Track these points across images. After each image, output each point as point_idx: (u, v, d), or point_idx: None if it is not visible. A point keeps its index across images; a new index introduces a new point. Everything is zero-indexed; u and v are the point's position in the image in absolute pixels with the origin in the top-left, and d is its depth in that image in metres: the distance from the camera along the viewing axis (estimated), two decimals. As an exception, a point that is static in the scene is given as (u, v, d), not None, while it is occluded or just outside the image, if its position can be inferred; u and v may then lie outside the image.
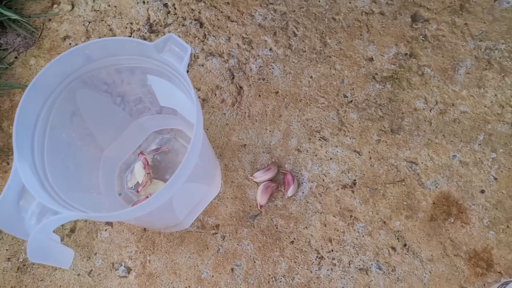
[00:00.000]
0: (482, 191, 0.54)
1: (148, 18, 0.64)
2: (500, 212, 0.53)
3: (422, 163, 0.55)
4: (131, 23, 0.64)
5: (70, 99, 0.43)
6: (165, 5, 0.64)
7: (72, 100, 0.44)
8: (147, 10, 0.64)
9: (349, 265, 0.53)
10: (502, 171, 0.54)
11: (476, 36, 0.60)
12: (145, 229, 0.56)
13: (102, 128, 0.50)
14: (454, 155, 0.55)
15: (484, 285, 0.51)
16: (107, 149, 0.53)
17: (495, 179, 0.54)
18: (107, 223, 0.56)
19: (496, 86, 0.57)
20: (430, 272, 0.51)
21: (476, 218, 0.53)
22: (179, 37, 0.60)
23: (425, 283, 0.51)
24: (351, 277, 0.52)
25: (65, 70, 0.40)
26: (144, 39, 0.63)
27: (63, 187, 0.41)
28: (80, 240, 0.56)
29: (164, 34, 0.63)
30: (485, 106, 0.57)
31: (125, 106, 0.50)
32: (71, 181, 0.44)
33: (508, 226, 0.53)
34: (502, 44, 0.59)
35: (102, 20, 0.64)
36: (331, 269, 0.53)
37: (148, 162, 0.55)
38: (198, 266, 0.54)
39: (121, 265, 0.55)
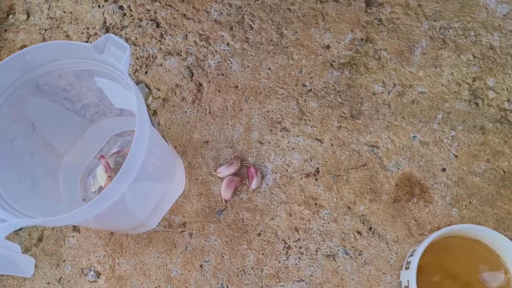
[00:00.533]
0: (443, 170, 0.54)
1: (104, 22, 0.64)
2: (461, 189, 0.53)
3: (383, 146, 0.56)
4: (88, 28, 0.64)
5: (17, 108, 0.43)
6: (121, 7, 0.64)
7: (20, 108, 0.44)
8: (103, 14, 0.64)
9: (316, 252, 0.53)
10: (462, 148, 0.55)
11: (430, 16, 0.60)
12: (112, 232, 0.56)
13: (57, 134, 0.50)
14: (414, 136, 0.56)
15: (450, 262, 0.51)
16: (67, 155, 0.53)
17: (455, 156, 0.55)
18: (74, 230, 0.56)
19: (452, 65, 0.58)
20: (396, 253, 0.52)
21: (439, 196, 0.53)
22: (136, 39, 0.60)
23: (391, 264, 0.52)
24: (319, 264, 0.52)
25: (6, 79, 0.40)
26: (102, 43, 0.63)
27: (16, 195, 0.41)
28: (48, 248, 0.56)
29: (122, 37, 0.63)
30: (442, 85, 0.57)
31: (79, 111, 0.50)
32: (25, 189, 0.44)
33: (470, 202, 0.53)
34: (456, 22, 0.59)
35: (58, 27, 0.64)
36: (299, 258, 0.53)
37: (109, 166, 0.54)
38: (167, 265, 0.54)
39: (90, 270, 0.55)
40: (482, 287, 0.43)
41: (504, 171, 0.54)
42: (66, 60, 0.42)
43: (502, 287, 0.43)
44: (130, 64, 0.61)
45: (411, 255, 0.44)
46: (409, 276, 0.41)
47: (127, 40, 0.63)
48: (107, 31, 0.63)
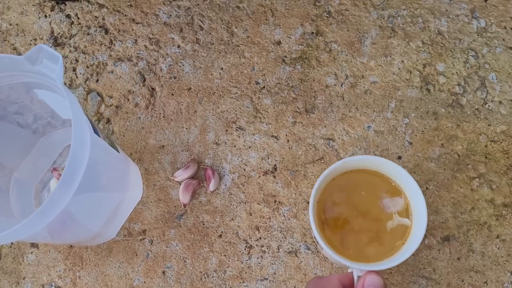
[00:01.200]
0: (399, 157, 0.54)
1: (52, 32, 0.63)
2: (418, 175, 0.54)
3: (339, 138, 0.56)
4: (35, 39, 0.63)
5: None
6: (68, 16, 0.63)
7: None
8: (50, 24, 0.63)
9: (278, 249, 0.53)
10: (416, 135, 0.55)
11: (378, 5, 0.60)
12: (71, 245, 0.55)
13: (3, 151, 0.48)
14: (369, 126, 0.56)
15: (410, 249, 0.52)
16: (17, 171, 0.52)
17: (410, 143, 0.55)
18: (32, 246, 0.55)
19: (402, 52, 0.58)
20: (357, 244, 0.52)
21: (396, 184, 0.53)
22: (85, 47, 0.59)
23: (353, 256, 0.52)
24: (282, 261, 0.52)
25: None
26: (50, 53, 0.61)
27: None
28: (7, 267, 0.54)
29: (70, 46, 0.62)
30: (394, 74, 0.57)
31: (24, 125, 0.49)
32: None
33: (427, 188, 0.53)
34: (403, 10, 0.60)
35: (5, 40, 0.63)
36: (261, 257, 0.53)
37: (63, 178, 0.53)
38: (129, 274, 0.53)
39: (51, 286, 0.54)
40: (384, 213, 0.45)
41: (458, 154, 0.54)
42: (1, 74, 0.41)
43: (402, 211, 0.45)
44: (80, 73, 0.60)
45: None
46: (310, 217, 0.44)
47: (76, 48, 0.62)
48: (55, 41, 0.62)
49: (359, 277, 0.40)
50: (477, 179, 0.53)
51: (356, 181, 0.47)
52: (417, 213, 0.44)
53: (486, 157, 0.54)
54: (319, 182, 0.44)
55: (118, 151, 0.49)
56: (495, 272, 0.50)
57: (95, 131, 0.43)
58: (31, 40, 0.63)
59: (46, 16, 0.63)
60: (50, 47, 0.61)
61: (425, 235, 0.50)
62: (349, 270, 0.42)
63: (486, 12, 0.59)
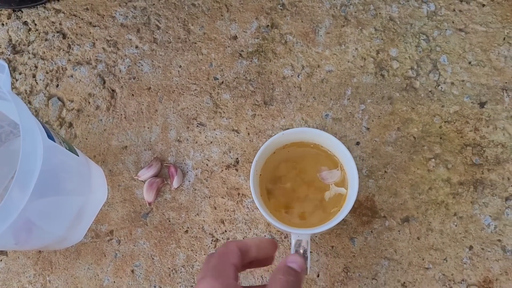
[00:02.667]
0: (357, 143, 0.56)
1: (10, 40, 0.63)
2: (376, 160, 0.55)
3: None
4: (-7, 48, 0.63)
5: None
6: (25, 23, 0.63)
7: None
8: (7, 32, 0.63)
9: (244, 241, 0.54)
10: (372, 120, 0.56)
11: (331, -5, 0.61)
12: (40, 251, 0.55)
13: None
14: (326, 114, 0.57)
15: (371, 231, 0.53)
16: (-21, 180, 0.52)
17: (367, 129, 0.56)
18: (1, 253, 0.56)
19: (356, 40, 0.59)
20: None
21: (356, 170, 0.54)
22: (44, 53, 0.60)
23: (317, 243, 0.53)
24: (247, 252, 0.53)
25: None
26: (9, 61, 0.62)
27: None
28: (-24, 276, 0.55)
29: (29, 53, 0.62)
30: (349, 61, 0.58)
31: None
32: None
33: (385, 172, 0.55)
34: (355, -2, 0.61)
35: (-38, 51, 0.63)
36: (228, 249, 0.53)
37: (26, 184, 0.54)
38: (98, 275, 0.54)
39: (22, 292, 0.54)
40: (323, 184, 0.48)
41: (414, 137, 0.55)
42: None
43: (339, 181, 0.48)
44: (40, 79, 0.61)
45: None
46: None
47: (35, 55, 0.62)
48: (14, 48, 0.62)
49: (296, 240, 0.44)
50: (433, 160, 0.54)
51: (297, 154, 0.50)
52: (351, 182, 0.46)
53: (441, 138, 0.55)
54: (259, 154, 0.47)
55: (77, 155, 0.49)
56: (454, 248, 0.52)
57: (49, 136, 0.43)
58: (-11, 49, 0.63)
59: (3, 24, 0.63)
60: (9, 55, 0.61)
61: (384, 217, 0.51)
62: (292, 237, 0.45)
63: (436, -4, 0.60)
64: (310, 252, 0.52)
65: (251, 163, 0.54)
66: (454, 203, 0.53)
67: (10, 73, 0.60)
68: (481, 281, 0.51)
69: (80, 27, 0.63)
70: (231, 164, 0.56)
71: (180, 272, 0.53)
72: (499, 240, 0.52)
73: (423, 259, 0.52)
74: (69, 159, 0.47)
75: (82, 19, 0.63)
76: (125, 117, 0.59)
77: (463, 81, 0.57)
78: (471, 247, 0.52)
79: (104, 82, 0.60)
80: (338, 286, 0.52)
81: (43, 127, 0.43)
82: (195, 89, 0.59)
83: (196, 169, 0.56)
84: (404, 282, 0.51)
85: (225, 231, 0.54)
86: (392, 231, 0.53)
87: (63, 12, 0.63)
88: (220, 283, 0.32)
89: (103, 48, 0.61)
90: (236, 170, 0.56)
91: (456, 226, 0.52)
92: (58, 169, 0.45)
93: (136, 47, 0.61)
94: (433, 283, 0.51)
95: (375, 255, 0.52)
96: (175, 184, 0.55)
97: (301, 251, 0.44)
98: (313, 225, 0.47)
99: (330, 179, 0.49)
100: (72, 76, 0.61)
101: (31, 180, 0.38)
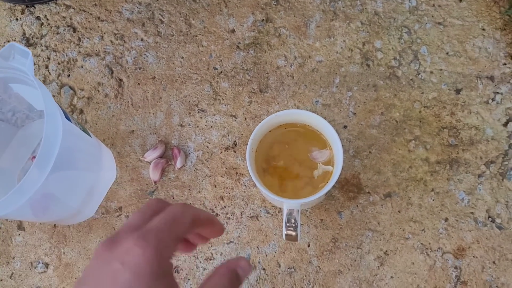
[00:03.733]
0: (345, 127, 0.61)
1: (24, 33, 0.68)
2: (361, 141, 0.60)
3: (291, 113, 0.62)
4: (9, 41, 0.68)
5: None
6: (37, 18, 0.68)
7: None
8: (21, 26, 0.68)
9: (241, 215, 0.59)
10: (358, 106, 0.62)
11: (321, -8, 0.66)
12: (55, 225, 0.60)
13: (-14, 141, 0.54)
14: (317, 101, 0.62)
15: (357, 206, 0.58)
16: (0, 160, 0.57)
17: (354, 113, 0.61)
18: (19, 228, 0.61)
19: (344, 33, 0.64)
20: (310, 207, 0.58)
21: (344, 150, 0.60)
22: (55, 45, 0.65)
23: (307, 216, 0.58)
24: (245, 225, 0.59)
25: None
26: (24, 53, 0.67)
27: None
28: (-4, 249, 0.60)
29: (42, 46, 0.67)
30: (337, 53, 0.64)
31: (4, 119, 0.54)
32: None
33: (370, 152, 0.60)
34: (343, -6, 0.66)
35: (-20, 44, 0.68)
36: (226, 223, 0.59)
37: (42, 164, 0.59)
38: (108, 247, 0.59)
39: (39, 263, 0.59)
40: (313, 163, 0.53)
41: (396, 121, 0.61)
42: (-23, 71, 0.46)
43: (328, 161, 0.53)
44: (53, 70, 0.66)
45: None
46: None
47: (47, 47, 0.67)
48: (28, 41, 0.67)
49: (288, 210, 0.48)
50: (413, 141, 0.60)
51: (290, 134, 0.55)
52: (337, 160, 0.51)
53: (420, 121, 0.60)
54: (254, 133, 0.52)
55: (90, 136, 0.55)
56: (431, 220, 0.57)
57: (67, 118, 0.49)
58: (4, 42, 0.68)
59: (17, 19, 0.68)
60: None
61: (369, 192, 0.57)
62: (284, 207, 0.50)
63: (416, -8, 0.65)
64: (302, 224, 0.57)
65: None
66: (432, 180, 0.58)
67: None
68: (455, 249, 0.56)
69: (89, 21, 0.68)
70: (229, 146, 0.61)
71: (183, 244, 0.58)
72: (471, 213, 0.57)
73: (403, 230, 0.57)
74: (83, 139, 0.52)
75: (91, 14, 0.68)
76: (131, 104, 0.64)
77: (441, 70, 0.62)
78: (446, 219, 0.57)
79: (112, 72, 0.65)
80: (326, 255, 0.57)
81: (62, 110, 0.49)
82: (196, 78, 0.64)
83: (198, 151, 0.61)
84: (386, 251, 0.57)
85: (224, 206, 0.59)
86: (375, 205, 0.58)
87: (73, 8, 0.68)
88: (157, 258, 0.26)
89: (111, 41, 0.67)
90: (234, 151, 0.61)
91: (433, 200, 0.58)
92: (74, 147, 0.50)
93: (142, 40, 0.66)
94: (412, 251, 0.56)
95: (360, 227, 0.58)
96: (178, 164, 0.60)
97: (292, 220, 0.49)
98: (304, 197, 0.52)
99: (320, 158, 0.54)
100: (82, 66, 0.66)
101: (51, 158, 0.43)
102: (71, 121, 0.49)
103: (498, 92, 0.61)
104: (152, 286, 0.25)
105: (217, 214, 0.59)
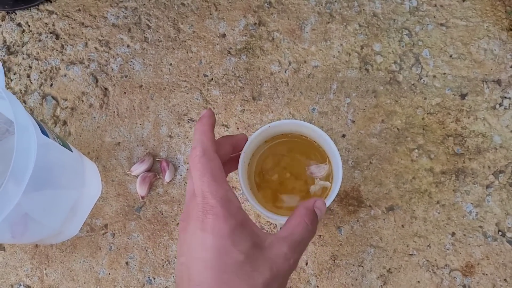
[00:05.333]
0: (343, 136, 0.57)
1: (4, 41, 0.64)
2: (361, 151, 0.57)
3: (286, 122, 0.58)
4: (-12, 49, 0.64)
5: None
6: (19, 24, 0.65)
7: None
8: (2, 33, 0.65)
9: (234, 232, 0.55)
10: (357, 113, 0.58)
11: (316, -7, 0.63)
12: (36, 245, 0.57)
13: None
14: (313, 108, 0.59)
15: (357, 220, 0.55)
16: (-24, 177, 0.53)
17: (353, 121, 0.58)
18: (-1, 248, 0.57)
19: (340, 36, 0.61)
20: (307, 221, 0.54)
21: (342, 161, 0.56)
22: (37, 53, 0.61)
23: (304, 232, 0.54)
24: (238, 243, 0.55)
25: None
26: (4, 62, 0.63)
27: None
28: (-25, 271, 0.56)
29: (23, 54, 0.64)
30: (334, 57, 0.60)
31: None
32: None
33: (370, 162, 0.56)
34: (340, -5, 0.62)
35: (-42, 53, 0.64)
36: (219, 240, 0.55)
37: (22, 181, 0.55)
38: (94, 268, 0.55)
39: (20, 285, 0.56)
40: (310, 178, 0.49)
41: (398, 128, 0.57)
42: None
43: (326, 176, 0.49)
44: (34, 79, 0.62)
45: None
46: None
47: (29, 55, 0.63)
48: (8, 49, 0.64)
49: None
50: (416, 150, 0.56)
51: (285, 146, 0.51)
52: (335, 176, 0.48)
53: (423, 129, 0.57)
54: (246, 146, 0.47)
55: (71, 150, 0.51)
56: (437, 235, 0.54)
57: (44, 132, 0.45)
58: (-16, 51, 0.64)
59: (-3, 26, 0.65)
60: (4, 56, 0.63)
61: (370, 206, 0.53)
62: (277, 224, 0.47)
63: (417, -8, 0.62)
64: (298, 241, 0.54)
65: (240, 156, 0.55)
66: (437, 191, 0.55)
67: (5, 73, 0.62)
68: (463, 265, 0.53)
69: (72, 27, 0.64)
70: (221, 158, 0.58)
71: (173, 263, 0.55)
72: (480, 227, 0.54)
73: (407, 246, 0.54)
74: (63, 155, 0.49)
75: (74, 19, 0.65)
76: (117, 114, 0.60)
77: (444, 74, 0.59)
78: (453, 234, 0.54)
79: (97, 81, 0.62)
80: (326, 274, 0.53)
81: (38, 123, 0.45)
82: (186, 86, 0.61)
83: (187, 163, 0.58)
84: (390, 268, 0.53)
85: (216, 222, 0.56)
86: (377, 220, 0.55)
87: (56, 13, 0.65)
88: (228, 214, 0.31)
89: (95, 48, 0.63)
90: (226, 163, 0.57)
91: (439, 213, 0.54)
92: (52, 164, 0.46)
93: (128, 46, 0.63)
94: (417, 269, 0.53)
95: (361, 243, 0.54)
96: (167, 178, 0.57)
97: None
98: None
99: (318, 174, 0.50)
100: (65, 75, 0.62)
101: (25, 174, 0.40)
102: (48, 136, 0.45)
103: (505, 97, 0.57)
104: (236, 240, 0.30)
105: (208, 230, 0.56)
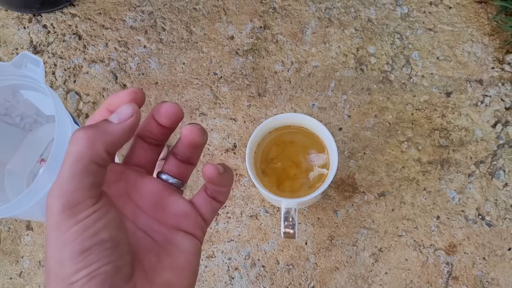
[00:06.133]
0: (340, 129, 0.64)
1: (31, 41, 0.70)
2: (356, 143, 0.63)
3: (288, 116, 0.64)
4: (17, 49, 0.70)
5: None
6: (44, 26, 0.71)
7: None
8: (29, 34, 0.71)
9: (241, 215, 0.61)
10: (353, 109, 0.64)
11: (315, 0, 0.69)
12: (62, 225, 0.63)
13: (-3, 145, 0.56)
14: (313, 104, 0.65)
15: (352, 204, 0.61)
16: (9, 163, 0.59)
17: (349, 116, 0.64)
18: (28, 228, 0.63)
19: (338, 39, 0.67)
20: (307, 206, 0.61)
21: (339, 152, 0.62)
22: (62, 52, 0.67)
23: (305, 215, 0.61)
24: (245, 224, 0.61)
25: None
26: (31, 60, 0.69)
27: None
28: (6, 248, 0.62)
29: (49, 53, 0.70)
30: (332, 58, 0.66)
31: (13, 123, 0.57)
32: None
33: (364, 153, 0.62)
34: (338, 2, 0.69)
35: (-11, 51, 0.70)
36: (227, 222, 0.61)
37: (50, 167, 0.61)
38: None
39: (47, 261, 0.62)
40: (310, 165, 0.56)
41: (389, 123, 0.63)
42: (-8, 79, 0.49)
43: (324, 164, 0.56)
44: (59, 76, 0.68)
45: None
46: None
47: (54, 54, 0.69)
48: (35, 49, 0.70)
49: (286, 208, 0.51)
50: (405, 142, 0.62)
51: (288, 137, 0.57)
52: (332, 162, 0.54)
53: (412, 123, 0.63)
54: (253, 135, 0.54)
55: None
56: (423, 218, 0.60)
57: (75, 122, 0.51)
58: (13, 50, 0.70)
59: (24, 27, 0.71)
60: (30, 54, 0.69)
61: (363, 192, 0.59)
62: (282, 206, 0.52)
63: (408, 0, 0.68)
64: (299, 223, 0.60)
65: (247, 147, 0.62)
66: (424, 179, 0.61)
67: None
68: (446, 245, 0.59)
69: (94, 29, 0.70)
70: (229, 148, 0.64)
71: (186, 242, 0.61)
72: (462, 211, 0.60)
73: (397, 228, 0.60)
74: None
75: (95, 22, 0.71)
76: (135, 109, 0.66)
77: (432, 74, 0.65)
78: (438, 217, 0.60)
79: (116, 78, 0.68)
80: (323, 252, 0.59)
81: (70, 114, 0.51)
82: (197, 83, 0.67)
83: (199, 153, 0.64)
84: (381, 248, 0.59)
85: (225, 206, 0.62)
86: (370, 204, 0.61)
87: (79, 16, 0.71)
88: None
89: (115, 48, 0.69)
90: (234, 153, 0.64)
91: (425, 199, 0.60)
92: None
93: (144, 46, 0.69)
94: (405, 248, 0.59)
95: (356, 225, 0.60)
96: (180, 166, 0.63)
97: (290, 218, 0.52)
98: (301, 196, 0.54)
99: (316, 162, 0.57)
100: (87, 73, 0.68)
101: (60, 161, 0.46)
102: (78, 126, 0.52)
103: (486, 95, 0.63)
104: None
105: (218, 213, 0.62)
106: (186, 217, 0.28)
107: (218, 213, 0.62)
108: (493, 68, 0.64)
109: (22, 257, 0.62)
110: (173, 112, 0.28)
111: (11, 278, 0.61)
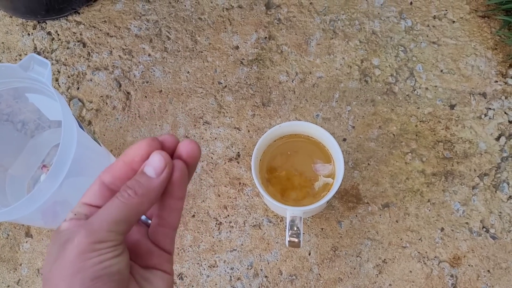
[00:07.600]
0: (344, 139, 0.64)
1: (35, 48, 0.70)
2: (360, 154, 0.63)
3: (292, 126, 0.64)
4: (20, 55, 0.70)
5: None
6: (49, 33, 0.71)
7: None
8: (33, 41, 0.71)
9: (244, 224, 0.61)
10: (357, 120, 0.64)
11: (321, 11, 0.70)
12: (62, 233, 0.62)
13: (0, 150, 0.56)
14: (317, 114, 0.65)
15: (356, 215, 0.60)
16: (11, 168, 0.59)
17: (353, 127, 0.64)
18: (27, 235, 0.62)
19: (343, 51, 0.67)
20: (311, 216, 0.60)
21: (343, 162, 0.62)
22: (65, 59, 0.67)
23: (308, 225, 0.60)
24: (248, 233, 0.60)
25: None
26: (34, 66, 0.69)
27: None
28: (4, 256, 0.61)
29: (52, 60, 0.70)
30: (336, 69, 0.67)
31: (16, 127, 0.56)
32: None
33: (368, 164, 0.62)
34: (342, 15, 0.69)
35: (-8, 57, 0.70)
36: (230, 231, 0.61)
37: (52, 173, 0.61)
38: (114, 254, 0.60)
39: (45, 269, 0.60)
40: (315, 175, 0.56)
41: (393, 134, 0.63)
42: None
43: (330, 174, 0.55)
44: (63, 83, 0.68)
45: None
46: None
47: (57, 61, 0.69)
48: (39, 55, 0.70)
49: (291, 217, 0.50)
50: (410, 154, 0.62)
51: (293, 145, 0.57)
52: (338, 171, 0.53)
53: (416, 135, 0.63)
54: (259, 143, 0.54)
55: (100, 145, 0.57)
56: (427, 230, 0.59)
57: (81, 127, 0.51)
58: (16, 56, 0.70)
59: (29, 34, 0.71)
60: (34, 61, 0.69)
61: (367, 203, 0.59)
62: (287, 214, 0.51)
63: (412, 13, 0.69)
64: (303, 233, 0.59)
65: (251, 156, 0.61)
66: (428, 191, 0.61)
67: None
68: (451, 257, 0.58)
69: (98, 37, 0.70)
70: (233, 157, 0.64)
71: (188, 251, 0.60)
72: (466, 223, 0.59)
73: (401, 239, 0.59)
74: (94, 148, 0.54)
75: (100, 30, 0.71)
76: (138, 116, 0.66)
77: (435, 86, 0.65)
78: (442, 229, 0.59)
79: (120, 86, 0.68)
80: (327, 263, 0.59)
81: (76, 119, 0.51)
82: (202, 92, 0.67)
83: (202, 161, 0.64)
84: (385, 259, 0.59)
85: (228, 215, 0.61)
86: (374, 215, 0.60)
87: (83, 24, 0.71)
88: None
89: (119, 56, 0.69)
90: (238, 162, 0.63)
91: (429, 210, 0.60)
92: (85, 155, 0.52)
93: (149, 55, 0.69)
94: (409, 260, 0.58)
95: (359, 236, 0.60)
96: (183, 174, 0.62)
97: (295, 227, 0.51)
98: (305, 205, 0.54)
99: (322, 171, 0.56)
100: (91, 80, 0.68)
101: (64, 168, 0.45)
102: (84, 130, 0.51)
103: (490, 108, 0.63)
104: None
105: (220, 222, 0.61)
106: (151, 255, 0.30)
107: (220, 222, 0.61)
108: (496, 81, 0.64)
109: (21, 265, 0.61)
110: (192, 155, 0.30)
111: (8, 286, 0.60)
